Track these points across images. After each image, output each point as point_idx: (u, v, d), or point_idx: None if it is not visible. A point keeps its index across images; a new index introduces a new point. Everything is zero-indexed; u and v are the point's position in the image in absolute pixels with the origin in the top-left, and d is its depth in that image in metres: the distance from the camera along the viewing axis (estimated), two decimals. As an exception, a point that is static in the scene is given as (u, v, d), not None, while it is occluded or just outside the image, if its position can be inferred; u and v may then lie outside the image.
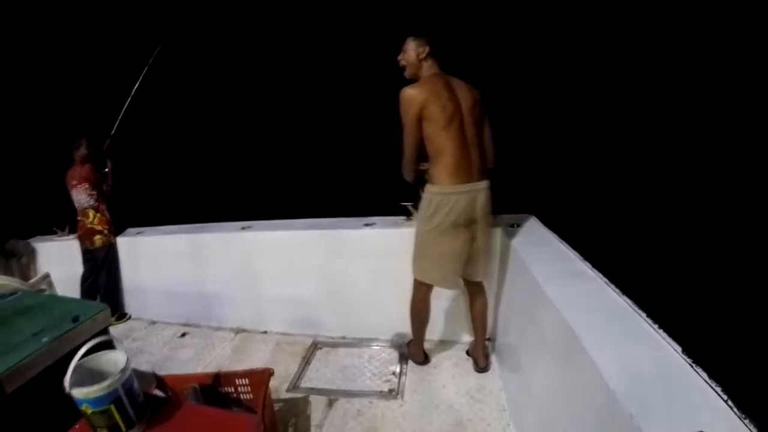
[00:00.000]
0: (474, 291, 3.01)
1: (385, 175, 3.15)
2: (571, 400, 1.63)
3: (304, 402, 2.95)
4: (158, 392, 2.27)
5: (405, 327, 3.15)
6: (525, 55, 5.75)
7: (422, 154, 2.58)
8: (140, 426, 1.55)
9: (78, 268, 4.62)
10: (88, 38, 6.29)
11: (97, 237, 4.44)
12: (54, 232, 5.09)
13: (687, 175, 5.35)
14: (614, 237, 4.66)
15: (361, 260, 3.61)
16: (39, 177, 5.65)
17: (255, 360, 3.57)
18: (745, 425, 1.05)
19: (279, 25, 6.84)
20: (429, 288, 2.87)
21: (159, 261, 4.43)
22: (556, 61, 5.80)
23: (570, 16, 5.60)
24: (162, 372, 2.51)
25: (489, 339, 3.29)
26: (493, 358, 3.20)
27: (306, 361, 3.48)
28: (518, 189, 3.66)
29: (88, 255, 4.56)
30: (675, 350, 1.38)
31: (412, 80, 2.60)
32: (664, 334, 1.47)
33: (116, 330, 4.34)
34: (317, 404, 2.92)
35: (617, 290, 1.86)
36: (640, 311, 1.66)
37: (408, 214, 3.50)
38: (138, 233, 4.64)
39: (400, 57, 2.66)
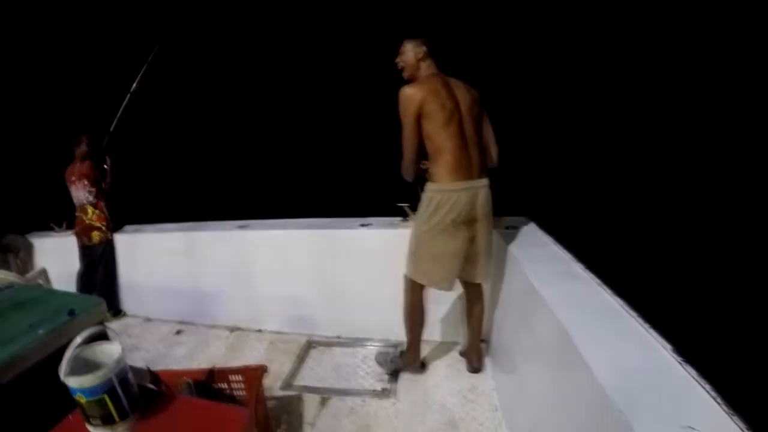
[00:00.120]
0: (472, 293, 3.01)
1: (382, 176, 3.17)
2: (562, 398, 1.64)
3: (298, 400, 2.96)
4: (152, 387, 2.27)
5: (400, 327, 3.11)
6: (520, 59, 5.78)
7: (422, 153, 2.59)
8: (134, 417, 1.55)
9: (75, 264, 4.62)
10: (89, 36, 6.30)
11: (95, 233, 4.45)
12: (51, 228, 5.09)
13: (676, 181, 5.39)
14: (608, 239, 4.68)
15: (357, 260, 3.62)
16: (37, 173, 5.65)
17: (249, 358, 3.57)
18: (734, 422, 1.07)
19: (278, 26, 6.86)
20: (423, 289, 2.85)
21: (156, 258, 4.44)
22: (550, 64, 5.84)
23: (565, 20, 5.64)
24: (157, 369, 2.51)
25: (483, 340, 3.30)
26: (486, 359, 3.20)
27: (300, 359, 3.49)
28: (514, 192, 3.67)
29: (85, 251, 4.57)
30: (666, 349, 1.39)
31: (411, 81, 2.61)
32: (656, 334, 1.49)
33: (111, 327, 4.32)
34: (310, 402, 2.92)
35: (610, 291, 1.88)
36: (632, 311, 1.67)
37: (404, 215, 3.51)
38: (135, 230, 4.65)
39: (398, 60, 2.68)
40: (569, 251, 2.50)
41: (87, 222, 4.45)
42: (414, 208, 2.97)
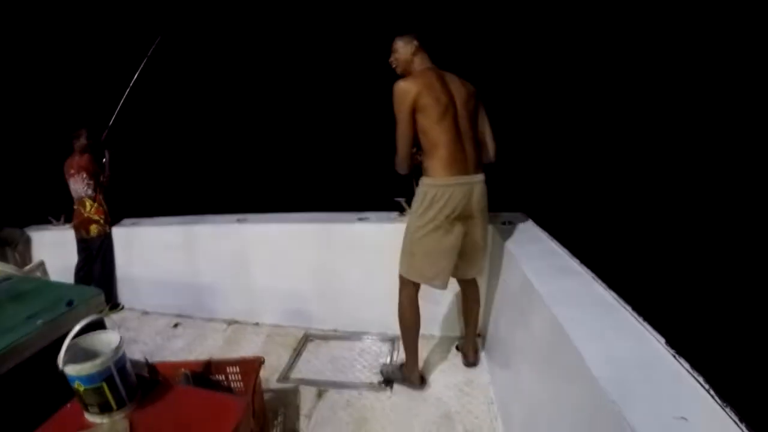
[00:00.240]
0: (468, 288, 3.01)
1: (379, 171, 3.16)
2: (557, 391, 1.65)
3: (294, 392, 2.98)
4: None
5: (396, 322, 3.01)
6: (516, 54, 5.79)
7: (415, 145, 2.56)
8: (131, 405, 1.57)
9: (73, 257, 4.63)
10: (89, 30, 6.30)
11: (93, 226, 4.45)
12: (49, 222, 5.09)
13: (669, 179, 5.43)
14: (603, 234, 4.71)
15: (354, 254, 3.63)
16: (35, 166, 5.65)
17: (246, 351, 3.58)
18: (726, 413, 1.08)
19: (277, 22, 6.86)
20: (416, 288, 2.78)
21: (153, 252, 4.44)
22: (547, 60, 5.85)
23: (560, 16, 5.65)
24: (154, 361, 2.52)
25: (479, 335, 3.31)
26: (482, 353, 3.22)
27: (297, 352, 3.51)
28: (510, 187, 3.68)
29: (83, 244, 4.57)
30: (659, 342, 1.41)
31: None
32: (649, 327, 1.50)
33: (109, 320, 4.33)
34: (307, 395, 2.94)
35: (604, 285, 1.89)
36: (625, 305, 1.69)
37: (401, 210, 3.52)
38: (133, 224, 4.65)
39: (391, 59, 2.67)
40: (565, 247, 2.51)
41: (85, 215, 4.45)
42: (411, 202, 2.95)
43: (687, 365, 1.27)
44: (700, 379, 1.20)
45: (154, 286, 4.51)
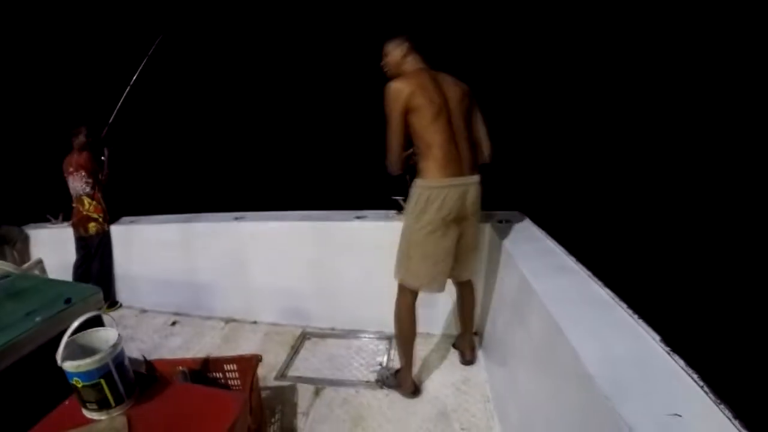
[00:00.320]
0: (463, 288, 3.00)
1: (377, 169, 3.16)
2: (553, 388, 1.66)
3: (291, 390, 2.98)
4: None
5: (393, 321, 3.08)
6: (511, 54, 5.80)
7: (408, 145, 2.53)
8: (129, 402, 1.57)
9: (71, 255, 4.63)
10: (90, 28, 6.29)
11: (92, 224, 4.45)
12: (48, 219, 5.09)
13: (663, 176, 5.45)
14: (598, 232, 4.73)
15: (351, 253, 3.63)
16: (33, 164, 5.64)
17: (244, 349, 3.58)
18: (720, 410, 1.09)
19: (275, 21, 6.86)
20: (414, 296, 2.69)
21: (151, 250, 4.44)
22: (543, 59, 5.86)
23: (555, 14, 5.66)
24: (152, 359, 2.53)
25: (476, 333, 3.32)
26: (479, 352, 3.23)
27: (294, 350, 3.51)
28: (507, 186, 3.69)
29: (81, 242, 4.57)
30: (654, 339, 1.41)
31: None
32: (644, 325, 1.51)
33: (107, 317, 4.34)
34: (304, 392, 2.95)
35: (600, 283, 1.90)
36: (621, 303, 1.70)
37: (399, 208, 3.51)
38: (132, 222, 4.65)
39: (383, 63, 2.64)
40: (561, 245, 2.52)
41: (84, 213, 4.45)
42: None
43: (682, 363, 1.28)
44: (695, 377, 1.21)
45: (152, 284, 4.50)
